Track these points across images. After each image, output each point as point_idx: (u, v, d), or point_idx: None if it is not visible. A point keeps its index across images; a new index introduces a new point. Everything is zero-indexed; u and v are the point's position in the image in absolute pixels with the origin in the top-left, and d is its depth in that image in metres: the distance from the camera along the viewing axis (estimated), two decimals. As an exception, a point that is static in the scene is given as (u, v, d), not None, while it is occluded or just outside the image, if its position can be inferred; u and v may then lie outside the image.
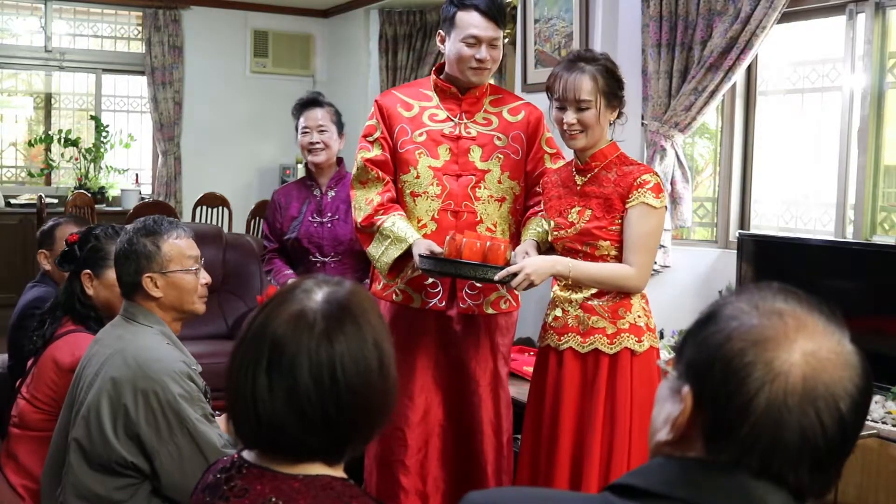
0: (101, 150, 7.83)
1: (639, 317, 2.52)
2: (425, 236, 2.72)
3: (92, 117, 7.97)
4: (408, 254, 2.68)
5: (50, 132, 7.86)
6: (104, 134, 7.85)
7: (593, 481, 2.47)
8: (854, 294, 3.45)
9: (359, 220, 2.80)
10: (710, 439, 0.92)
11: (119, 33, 8.17)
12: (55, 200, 7.36)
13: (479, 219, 2.77)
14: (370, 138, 2.83)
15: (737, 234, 4.10)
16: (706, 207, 4.65)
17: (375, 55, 7.85)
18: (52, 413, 2.31)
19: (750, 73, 4.32)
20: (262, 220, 5.96)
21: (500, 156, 2.79)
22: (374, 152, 2.81)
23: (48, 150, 7.83)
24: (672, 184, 4.22)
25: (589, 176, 2.55)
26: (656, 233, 2.49)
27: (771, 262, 3.85)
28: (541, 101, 2.80)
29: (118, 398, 2.01)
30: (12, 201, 7.51)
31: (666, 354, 4.09)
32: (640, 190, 2.45)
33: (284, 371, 1.20)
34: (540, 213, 2.76)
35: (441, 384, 2.88)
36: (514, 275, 2.45)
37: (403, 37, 7.69)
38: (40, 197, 6.74)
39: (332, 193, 3.49)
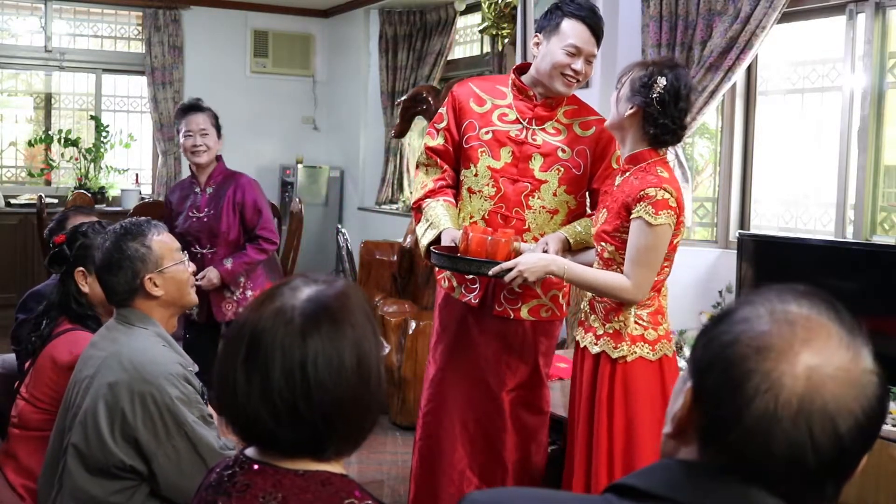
0: (101, 150, 7.82)
1: (624, 325, 2.48)
2: None
3: (92, 117, 7.97)
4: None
5: (50, 132, 7.86)
6: (104, 134, 7.84)
7: (579, 476, 2.52)
8: (854, 294, 3.45)
9: (412, 201, 2.94)
10: (702, 440, 0.92)
11: (119, 33, 8.16)
12: (55, 200, 7.36)
13: (527, 227, 2.76)
14: (437, 126, 2.89)
15: (737, 234, 4.10)
16: (706, 207, 4.65)
17: (375, 55, 7.85)
18: (52, 413, 2.29)
19: (750, 73, 4.32)
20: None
21: (561, 168, 2.75)
22: (437, 141, 2.87)
23: (48, 150, 7.82)
24: (672, 184, 4.23)
25: (622, 179, 2.51)
26: (653, 248, 2.42)
27: (771, 262, 3.84)
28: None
29: (115, 402, 2.00)
30: (12, 201, 7.51)
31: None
32: (641, 203, 2.38)
33: (259, 365, 1.22)
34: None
35: (470, 379, 2.89)
36: (510, 270, 2.48)
37: (403, 37, 7.68)
38: (40, 197, 6.73)
39: (209, 190, 3.93)
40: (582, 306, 2.66)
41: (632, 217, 2.41)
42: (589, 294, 2.58)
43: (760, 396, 0.87)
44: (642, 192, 2.39)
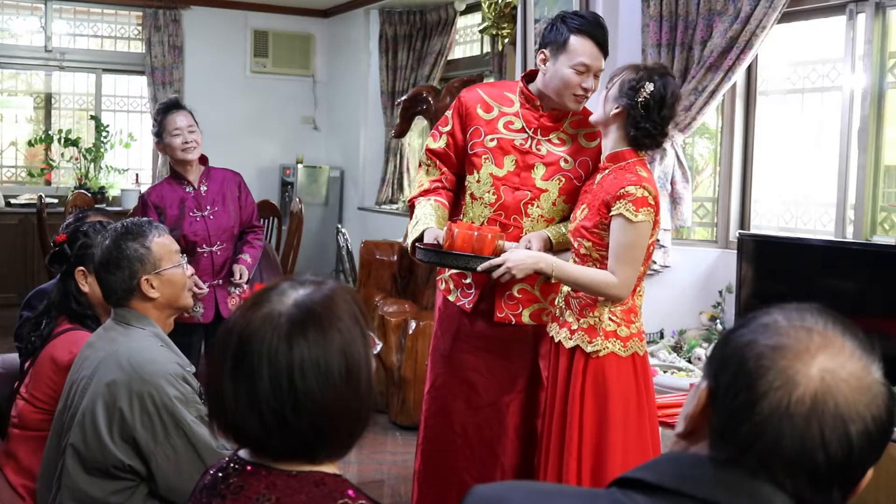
0: (101, 150, 7.83)
1: (599, 320, 2.51)
2: None
3: (92, 117, 7.97)
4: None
5: (50, 132, 7.86)
6: (104, 134, 7.84)
7: (551, 468, 2.54)
8: (854, 294, 3.45)
9: (408, 197, 2.96)
10: (715, 435, 0.93)
11: (119, 33, 8.17)
12: (55, 200, 7.36)
13: (524, 234, 2.75)
14: (441, 129, 2.89)
15: (737, 234, 4.10)
16: (706, 207, 4.65)
17: (375, 55, 7.85)
18: (51, 413, 2.29)
19: (750, 73, 4.32)
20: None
21: (562, 178, 2.75)
22: (438, 144, 2.88)
23: (48, 149, 7.83)
24: (672, 184, 4.22)
25: (601, 176, 2.56)
26: (636, 245, 2.47)
27: (771, 262, 3.84)
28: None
29: (113, 402, 2.00)
30: (12, 201, 7.51)
31: (666, 354, 4.09)
32: (621, 201, 2.43)
33: (246, 372, 1.21)
34: None
35: (469, 385, 2.88)
36: (499, 266, 2.50)
37: (403, 37, 7.68)
38: (40, 197, 6.72)
39: (204, 188, 3.83)
40: (557, 302, 2.68)
41: (611, 214, 2.46)
42: (565, 288, 2.60)
43: (774, 392, 0.89)
44: (622, 190, 2.44)
